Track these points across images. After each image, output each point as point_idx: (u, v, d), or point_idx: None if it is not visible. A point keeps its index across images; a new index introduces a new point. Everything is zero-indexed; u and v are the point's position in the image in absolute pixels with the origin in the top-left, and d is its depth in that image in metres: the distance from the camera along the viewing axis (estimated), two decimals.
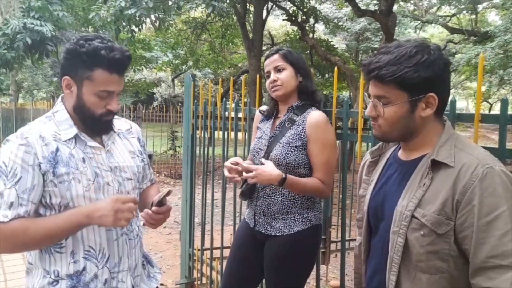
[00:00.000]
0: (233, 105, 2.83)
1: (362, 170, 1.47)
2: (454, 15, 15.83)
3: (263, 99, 2.17)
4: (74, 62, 1.38)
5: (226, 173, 1.91)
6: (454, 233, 1.14)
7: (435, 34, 23.55)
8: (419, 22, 15.88)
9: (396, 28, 12.51)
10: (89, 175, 1.40)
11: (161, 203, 1.48)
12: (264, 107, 2.18)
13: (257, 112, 2.24)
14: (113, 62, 1.37)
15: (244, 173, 1.87)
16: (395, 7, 11.86)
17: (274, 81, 1.98)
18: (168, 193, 1.50)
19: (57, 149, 1.37)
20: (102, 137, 1.50)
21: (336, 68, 2.16)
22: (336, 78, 2.15)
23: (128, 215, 1.36)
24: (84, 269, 1.41)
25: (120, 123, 1.61)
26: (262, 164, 1.93)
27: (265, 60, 2.07)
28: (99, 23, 6.88)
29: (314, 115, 1.97)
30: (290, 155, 1.94)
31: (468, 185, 1.11)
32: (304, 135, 1.95)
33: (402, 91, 1.19)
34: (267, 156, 2.00)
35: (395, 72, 1.16)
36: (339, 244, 3.79)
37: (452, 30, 15.39)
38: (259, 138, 2.11)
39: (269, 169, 1.84)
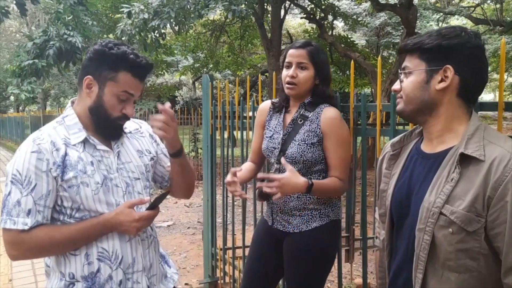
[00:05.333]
0: (250, 105, 2.83)
1: (382, 164, 1.42)
2: (478, 5, 15.43)
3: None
4: (100, 62, 1.42)
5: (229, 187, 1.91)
6: (484, 231, 1.09)
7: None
8: (441, 14, 15.55)
9: (418, 21, 12.27)
10: (98, 179, 1.42)
11: (153, 205, 1.47)
12: (276, 100, 2.15)
13: (264, 105, 2.20)
14: (138, 67, 1.43)
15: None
16: (415, 0, 11.65)
17: (293, 77, 1.94)
18: (165, 194, 1.52)
19: (66, 153, 1.39)
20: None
21: (352, 62, 2.13)
22: (352, 72, 2.12)
23: (149, 225, 1.51)
24: (98, 270, 1.43)
25: (128, 123, 1.62)
26: (279, 162, 1.93)
27: (289, 48, 2.01)
28: (125, 37, 7.04)
29: (329, 112, 1.94)
30: (307, 152, 1.92)
31: (500, 180, 1.05)
32: (319, 132, 1.93)
33: (421, 61, 1.21)
34: (282, 154, 1.97)
35: (417, 41, 1.21)
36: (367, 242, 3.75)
37: (477, 21, 15.00)
38: (270, 137, 2.08)
39: (294, 179, 1.76)
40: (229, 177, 1.90)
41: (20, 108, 23.07)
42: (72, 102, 1.52)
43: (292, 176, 1.76)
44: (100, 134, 1.48)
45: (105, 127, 1.47)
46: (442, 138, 1.22)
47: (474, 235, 1.10)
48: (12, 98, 8.50)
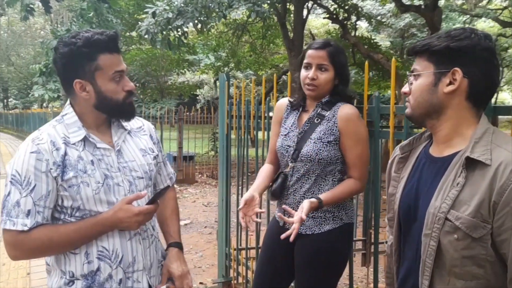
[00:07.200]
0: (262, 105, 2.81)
1: (391, 167, 1.39)
2: (505, 8, 15.06)
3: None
4: (76, 62, 1.37)
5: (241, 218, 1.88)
6: (491, 237, 1.06)
7: (485, 28, 22.53)
8: (468, 16, 15.24)
9: (444, 23, 12.03)
10: (98, 178, 1.40)
11: (153, 200, 1.46)
12: (292, 98, 2.12)
13: (281, 102, 2.16)
14: (109, 42, 1.38)
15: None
16: (442, 2, 11.44)
17: (313, 79, 1.92)
18: (165, 189, 1.52)
19: (66, 153, 1.38)
20: (112, 137, 1.49)
21: (366, 63, 2.10)
22: (366, 73, 2.09)
23: (149, 219, 1.48)
24: (98, 269, 1.41)
25: (131, 121, 1.60)
26: (293, 161, 1.92)
27: (308, 48, 1.97)
28: (148, 36, 7.12)
29: (345, 109, 1.92)
30: (323, 151, 1.90)
31: (506, 185, 1.03)
32: (336, 130, 1.90)
33: (430, 63, 1.19)
34: (297, 153, 1.95)
35: (426, 43, 1.19)
36: (379, 245, 3.70)
37: (504, 24, 14.65)
38: (285, 135, 2.05)
39: (306, 211, 1.75)
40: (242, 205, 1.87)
41: (44, 104, 23.62)
42: (70, 101, 1.49)
43: (303, 209, 1.74)
44: (118, 119, 1.49)
45: (120, 112, 1.46)
46: (450, 142, 1.20)
47: (480, 242, 1.07)
48: (36, 95, 8.72)
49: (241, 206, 1.87)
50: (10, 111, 32.05)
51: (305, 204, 1.76)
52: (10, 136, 23.82)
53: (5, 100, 41.32)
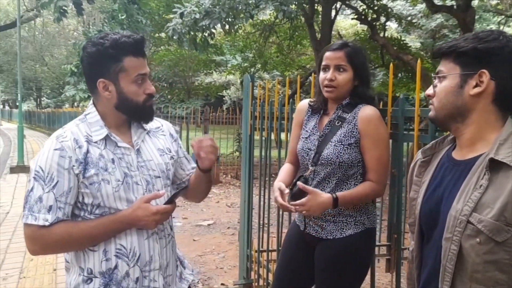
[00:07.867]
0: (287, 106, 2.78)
1: (413, 171, 1.36)
2: None
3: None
4: (102, 62, 1.41)
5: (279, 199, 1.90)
6: None
7: None
8: (503, 17, 14.79)
9: (477, 24, 11.71)
10: (118, 176, 1.43)
11: (171, 200, 1.48)
12: (313, 100, 2.09)
13: (303, 104, 2.14)
14: (135, 45, 1.43)
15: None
16: (475, 2, 11.12)
17: (331, 80, 1.89)
18: (183, 189, 1.56)
19: (88, 151, 1.41)
20: (132, 137, 1.52)
21: (391, 65, 2.04)
22: (391, 74, 2.03)
23: (166, 219, 1.50)
24: (116, 267, 1.43)
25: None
26: (314, 165, 1.90)
27: (326, 50, 1.95)
28: (176, 36, 7.20)
29: (366, 110, 1.88)
30: (343, 153, 1.87)
31: None
32: (356, 132, 1.87)
33: (456, 64, 1.17)
34: (318, 156, 1.92)
35: (452, 44, 1.17)
36: (405, 251, 3.62)
37: None
38: (306, 138, 2.03)
39: (318, 199, 1.79)
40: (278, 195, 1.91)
41: (75, 104, 24.27)
42: (93, 101, 1.53)
43: (314, 197, 1.79)
44: (137, 121, 1.52)
45: (139, 114, 1.49)
46: (474, 147, 1.17)
47: (503, 246, 1.04)
48: (68, 94, 9.04)
49: (277, 193, 1.89)
50: (43, 110, 33.03)
51: (315, 192, 1.81)
52: (42, 134, 24.52)
53: (39, 99, 42.66)
